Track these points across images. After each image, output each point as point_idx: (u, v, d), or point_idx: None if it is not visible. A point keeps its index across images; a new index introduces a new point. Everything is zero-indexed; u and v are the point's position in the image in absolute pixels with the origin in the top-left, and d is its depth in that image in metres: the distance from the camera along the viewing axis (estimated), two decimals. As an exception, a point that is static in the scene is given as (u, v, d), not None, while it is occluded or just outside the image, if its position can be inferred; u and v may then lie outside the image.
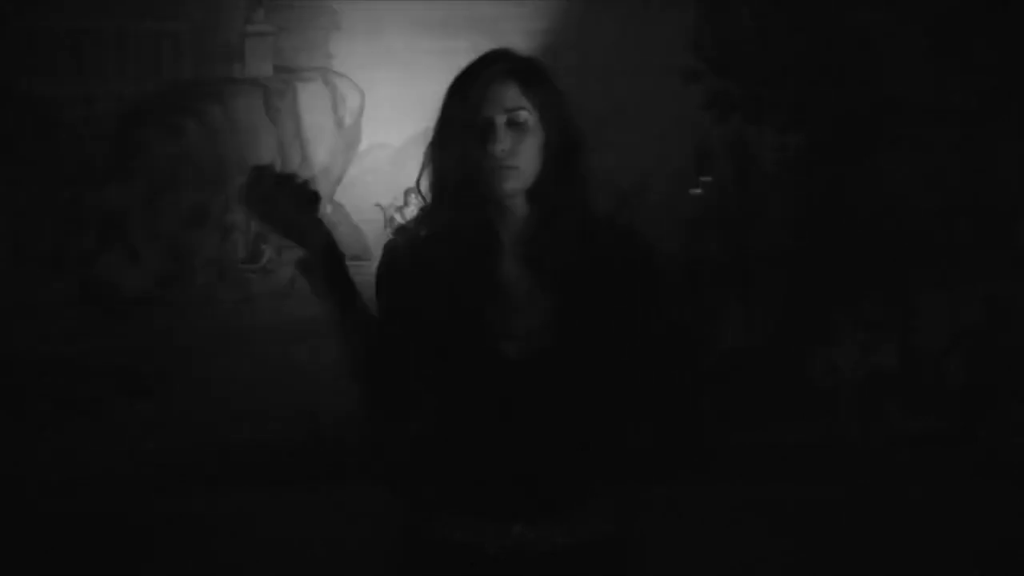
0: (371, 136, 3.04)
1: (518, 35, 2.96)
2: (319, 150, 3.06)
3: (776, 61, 3.11)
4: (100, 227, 3.05)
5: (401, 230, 2.54)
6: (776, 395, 3.20)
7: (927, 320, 3.20)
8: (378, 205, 3.04)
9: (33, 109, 3.01)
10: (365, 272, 2.89)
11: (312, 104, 3.04)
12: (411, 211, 2.56)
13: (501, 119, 2.41)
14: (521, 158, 2.39)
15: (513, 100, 2.39)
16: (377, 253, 2.69)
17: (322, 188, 3.06)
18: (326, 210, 3.07)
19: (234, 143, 3.05)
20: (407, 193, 2.56)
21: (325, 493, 3.09)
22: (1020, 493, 3.22)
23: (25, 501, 3.10)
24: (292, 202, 2.28)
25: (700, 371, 3.09)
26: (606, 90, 3.06)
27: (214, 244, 3.07)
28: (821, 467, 3.21)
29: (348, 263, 3.00)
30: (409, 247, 2.47)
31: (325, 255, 2.35)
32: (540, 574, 2.42)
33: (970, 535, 3.20)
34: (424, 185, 2.43)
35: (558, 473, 2.40)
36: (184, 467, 3.12)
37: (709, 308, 3.16)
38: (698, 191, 2.49)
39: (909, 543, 3.19)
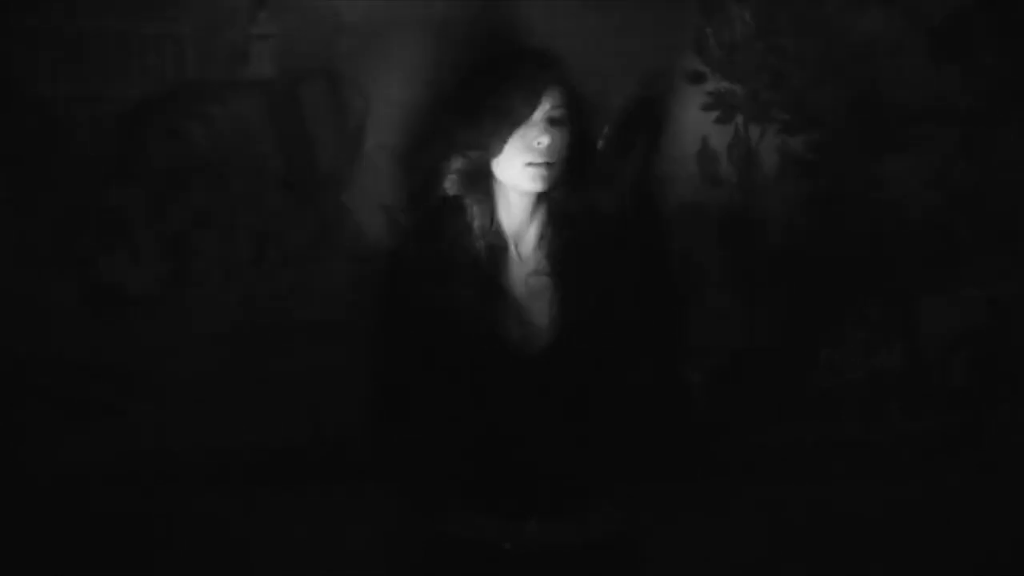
0: (374, 137, 3.04)
1: (514, 38, 2.97)
2: (323, 151, 3.06)
3: (778, 63, 3.11)
4: (102, 228, 3.05)
5: (405, 235, 2.55)
6: (778, 396, 3.21)
7: (930, 321, 3.21)
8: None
9: (36, 110, 3.01)
10: (367, 273, 2.91)
11: (316, 105, 3.04)
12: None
13: (540, 117, 2.42)
14: (556, 155, 2.41)
15: (554, 98, 2.41)
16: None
17: (326, 190, 3.07)
18: (327, 212, 3.07)
19: (237, 145, 3.05)
20: (411, 196, 2.57)
21: (327, 493, 3.10)
22: (1022, 493, 3.24)
23: (24, 501, 3.10)
24: None
25: (689, 369, 3.10)
26: (607, 91, 3.06)
27: (216, 245, 3.07)
28: (822, 467, 3.21)
29: (351, 265, 3.03)
30: (417, 252, 2.48)
31: None
32: (553, 571, 2.44)
33: (972, 535, 3.21)
34: (446, 179, 2.42)
35: (572, 471, 2.42)
36: (184, 467, 3.12)
37: (709, 308, 3.16)
38: None
39: (910, 543, 3.21)
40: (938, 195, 3.18)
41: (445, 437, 2.48)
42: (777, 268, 3.18)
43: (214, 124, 3.04)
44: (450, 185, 2.46)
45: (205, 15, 3.01)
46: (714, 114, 3.11)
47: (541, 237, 2.47)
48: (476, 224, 2.47)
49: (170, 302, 3.08)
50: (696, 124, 3.10)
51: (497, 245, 2.47)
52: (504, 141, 2.42)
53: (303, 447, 3.12)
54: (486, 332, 2.40)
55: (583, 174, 2.47)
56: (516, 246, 2.49)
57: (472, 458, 2.45)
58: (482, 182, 2.47)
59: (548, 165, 2.43)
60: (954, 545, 3.21)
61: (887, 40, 3.13)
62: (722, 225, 3.15)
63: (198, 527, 3.14)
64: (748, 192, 3.14)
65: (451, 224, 2.48)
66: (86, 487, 3.11)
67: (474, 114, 2.45)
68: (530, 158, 2.40)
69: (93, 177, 3.04)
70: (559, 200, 2.46)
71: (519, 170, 2.41)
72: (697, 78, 3.10)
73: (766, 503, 3.20)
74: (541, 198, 2.50)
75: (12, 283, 3.06)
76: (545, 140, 2.39)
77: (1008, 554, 3.21)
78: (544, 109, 2.43)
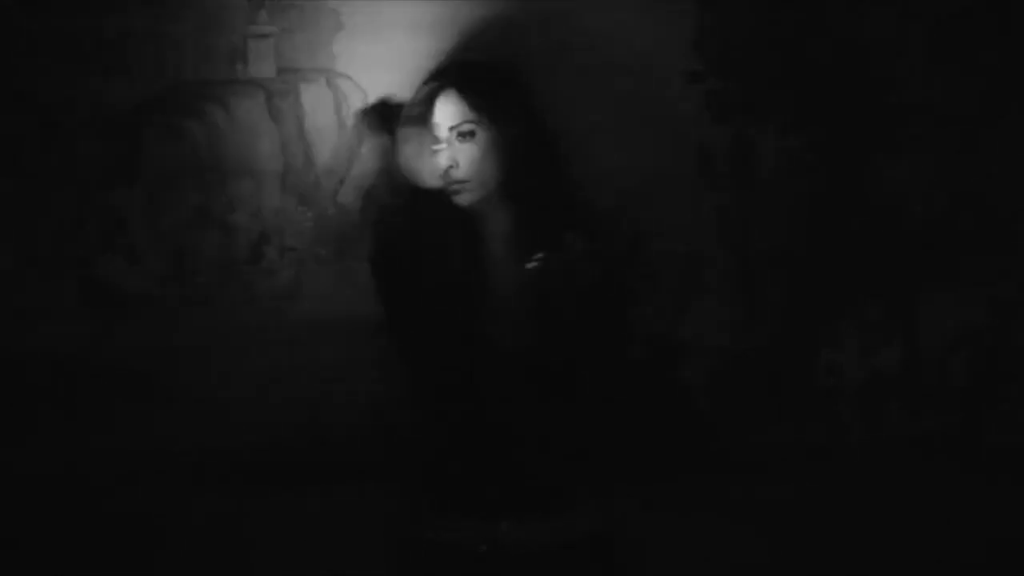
0: (373, 137, 3.03)
1: (521, 36, 2.97)
2: (322, 151, 3.06)
3: (778, 62, 3.11)
4: (101, 227, 3.05)
5: (384, 211, 2.55)
6: (777, 397, 3.20)
7: (929, 322, 3.20)
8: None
9: (34, 110, 3.01)
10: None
11: (315, 105, 3.04)
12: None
13: (447, 135, 2.40)
14: (472, 170, 2.39)
15: (457, 114, 2.39)
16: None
17: (325, 189, 3.06)
18: (329, 211, 3.07)
19: (236, 144, 3.05)
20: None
21: (327, 493, 3.10)
22: (1022, 494, 3.23)
23: (25, 501, 3.10)
24: None
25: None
26: (608, 91, 3.06)
27: (215, 245, 3.07)
28: (822, 468, 3.21)
29: (351, 262, 3.03)
30: (396, 238, 2.48)
31: None
32: (528, 573, 2.44)
33: (972, 535, 3.20)
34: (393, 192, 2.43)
35: (543, 471, 2.41)
36: (184, 467, 3.12)
37: (709, 308, 3.16)
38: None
39: (911, 544, 3.20)
40: (938, 195, 3.18)
41: (424, 436, 2.49)
42: (777, 268, 3.17)
43: (213, 123, 3.04)
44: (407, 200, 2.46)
45: (205, 15, 3.02)
46: (713, 114, 3.11)
47: (509, 238, 2.46)
48: (444, 226, 2.46)
49: (169, 302, 3.09)
50: (694, 123, 3.11)
51: (468, 246, 2.47)
52: (421, 163, 2.41)
53: (303, 447, 3.11)
54: (455, 331, 2.39)
55: (539, 177, 2.44)
56: (489, 245, 2.49)
57: (447, 459, 2.45)
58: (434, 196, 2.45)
59: (464, 182, 2.41)
60: (954, 545, 3.21)
61: (887, 39, 3.13)
62: (722, 225, 3.14)
63: (198, 527, 3.13)
64: (747, 192, 3.14)
65: (421, 225, 2.47)
66: (86, 487, 3.11)
67: (398, 138, 2.45)
68: (445, 178, 2.40)
69: (93, 177, 3.04)
70: (519, 202, 2.44)
71: (441, 181, 2.41)
72: (696, 77, 3.10)
73: (766, 503, 3.19)
74: (509, 199, 2.48)
75: (12, 283, 3.06)
76: (442, 160, 2.38)
77: (1008, 554, 3.20)
78: (449, 127, 2.40)
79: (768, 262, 3.17)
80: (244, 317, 3.09)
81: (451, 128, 2.41)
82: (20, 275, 3.06)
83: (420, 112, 2.43)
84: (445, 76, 2.47)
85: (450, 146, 2.41)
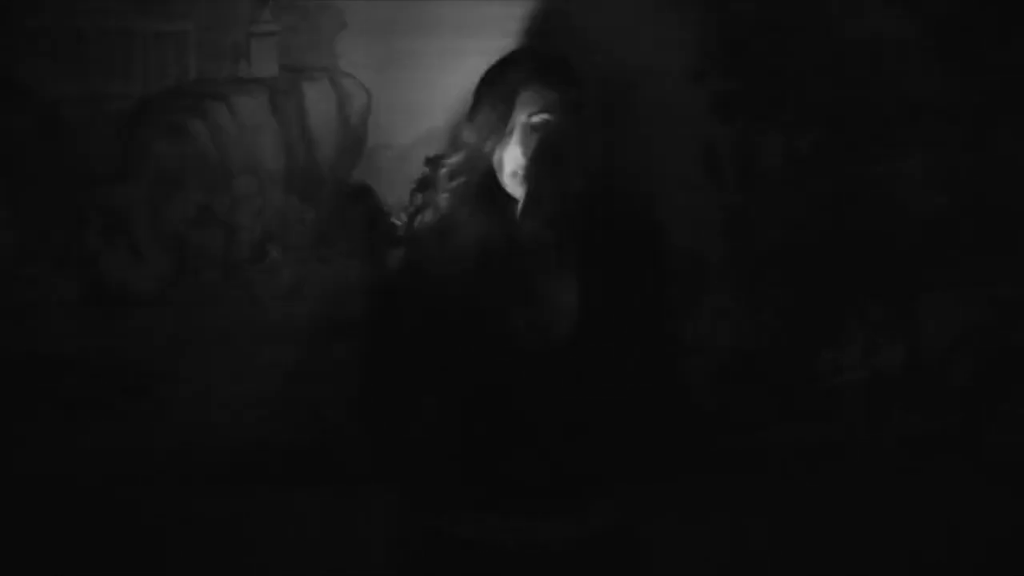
0: (377, 136, 3.04)
1: (524, 36, 2.97)
2: (325, 150, 3.06)
3: (782, 62, 3.11)
4: (103, 226, 3.05)
5: (411, 229, 2.55)
6: (779, 396, 3.21)
7: (932, 321, 3.21)
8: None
9: (37, 108, 3.00)
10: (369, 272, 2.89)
11: (318, 104, 3.04)
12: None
13: (525, 123, 2.41)
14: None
15: (536, 103, 2.39)
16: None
17: (328, 188, 3.07)
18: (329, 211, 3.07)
19: (239, 143, 3.05)
20: (413, 194, 2.56)
21: (328, 494, 3.10)
22: (1022, 494, 3.24)
23: (24, 501, 3.10)
24: None
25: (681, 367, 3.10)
26: (610, 90, 3.06)
27: (218, 244, 3.07)
28: (823, 468, 3.22)
29: (352, 264, 3.02)
30: (425, 245, 2.47)
31: None
32: (552, 568, 2.44)
33: (972, 535, 3.21)
34: (445, 180, 2.42)
35: (570, 466, 2.41)
36: (185, 467, 3.11)
37: (710, 308, 3.17)
38: None
39: (911, 544, 3.21)
40: (940, 194, 3.18)
41: (443, 433, 2.48)
42: (778, 267, 3.18)
43: (216, 122, 3.04)
44: (463, 184, 2.45)
45: (208, 13, 3.01)
46: (718, 113, 3.11)
47: (549, 234, 2.45)
48: (486, 219, 2.45)
49: (171, 301, 3.08)
50: (699, 123, 3.11)
51: (507, 240, 2.46)
52: (486, 147, 2.41)
53: (304, 447, 3.11)
54: (490, 326, 2.39)
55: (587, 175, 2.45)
56: (525, 241, 2.48)
57: (470, 454, 2.45)
58: (486, 189, 2.45)
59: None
60: (954, 545, 3.22)
61: (890, 39, 3.13)
62: (724, 224, 3.15)
63: (198, 527, 3.13)
64: (750, 191, 3.14)
65: (462, 219, 2.47)
66: (86, 487, 3.10)
67: (470, 120, 2.45)
68: (512, 167, 2.40)
69: (94, 176, 3.04)
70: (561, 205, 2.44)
71: (508, 179, 2.41)
72: (700, 76, 3.10)
73: (767, 502, 3.20)
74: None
75: (12, 283, 3.06)
76: (517, 151, 2.38)
77: (1008, 554, 3.21)
78: (522, 117, 2.41)
79: (771, 261, 3.17)
80: (246, 317, 3.09)
81: (528, 116, 2.41)
82: (21, 274, 3.05)
83: (501, 100, 2.42)
84: (526, 64, 2.47)
85: (524, 133, 2.42)
